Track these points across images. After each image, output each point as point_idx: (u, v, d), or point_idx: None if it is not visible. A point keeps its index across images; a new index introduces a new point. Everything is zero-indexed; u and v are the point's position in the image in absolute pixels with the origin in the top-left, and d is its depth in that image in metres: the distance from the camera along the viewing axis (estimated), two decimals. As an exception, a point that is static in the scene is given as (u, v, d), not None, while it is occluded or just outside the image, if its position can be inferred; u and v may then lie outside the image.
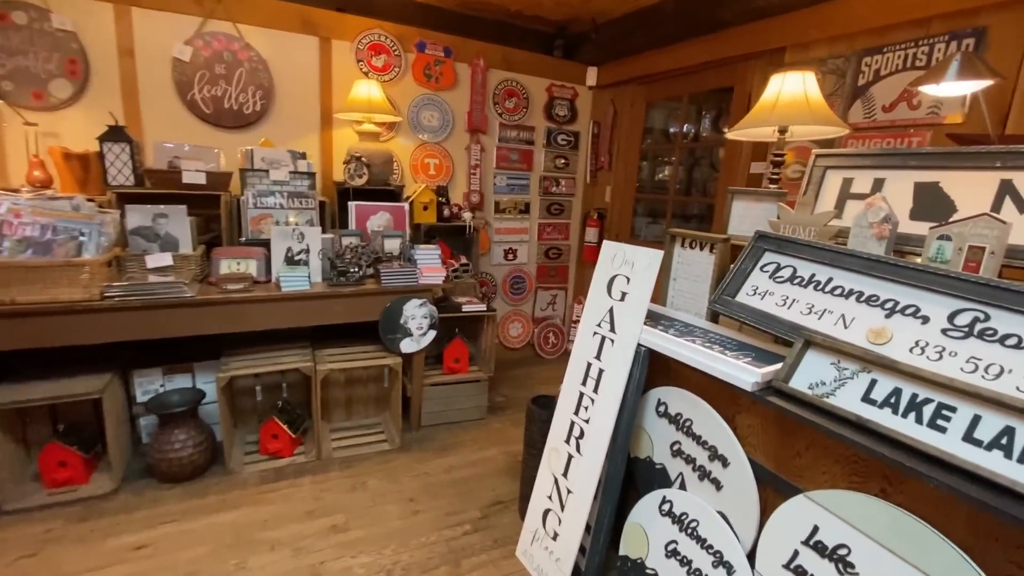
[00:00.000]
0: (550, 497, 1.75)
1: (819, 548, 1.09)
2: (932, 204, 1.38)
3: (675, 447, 1.50)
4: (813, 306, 1.31)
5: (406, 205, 2.86)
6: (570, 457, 1.69)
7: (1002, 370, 0.95)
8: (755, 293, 1.46)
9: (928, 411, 0.97)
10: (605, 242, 1.71)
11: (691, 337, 1.46)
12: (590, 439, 1.62)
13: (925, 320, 1.10)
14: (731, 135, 1.86)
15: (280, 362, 2.33)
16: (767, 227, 1.59)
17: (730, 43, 2.71)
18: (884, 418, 1.00)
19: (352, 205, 2.72)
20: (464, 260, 3.19)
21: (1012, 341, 0.97)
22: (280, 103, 2.87)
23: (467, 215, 3.22)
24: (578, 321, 4.15)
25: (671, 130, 3.84)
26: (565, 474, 1.70)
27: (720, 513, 1.35)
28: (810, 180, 1.64)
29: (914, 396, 1.00)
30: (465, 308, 2.84)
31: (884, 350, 1.10)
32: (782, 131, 1.72)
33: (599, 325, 1.66)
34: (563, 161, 3.86)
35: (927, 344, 1.06)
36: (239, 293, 2.16)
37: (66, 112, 2.46)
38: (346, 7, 2.96)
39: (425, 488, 2.25)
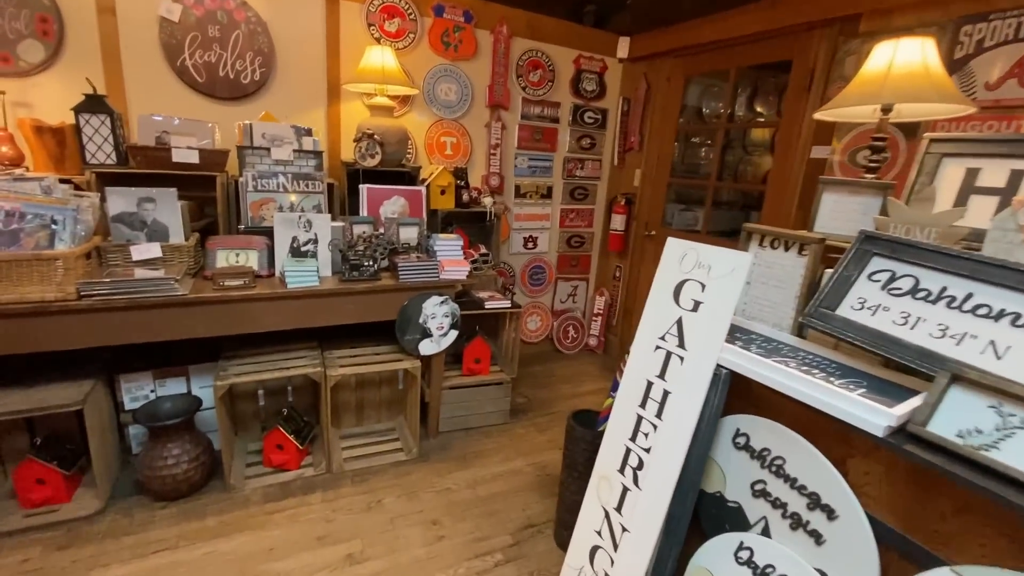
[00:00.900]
0: (599, 533, 1.53)
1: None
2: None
3: (758, 487, 1.26)
4: (947, 328, 1.06)
5: (423, 189, 2.58)
6: (625, 490, 1.45)
7: None
8: (863, 307, 1.20)
9: None
10: (670, 239, 1.44)
11: (780, 357, 1.22)
12: (651, 472, 1.38)
13: None
14: (820, 115, 1.58)
15: (286, 367, 2.08)
16: (867, 225, 1.33)
17: (791, 9, 2.39)
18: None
19: (363, 188, 2.43)
20: (483, 250, 2.92)
21: None
22: (282, 72, 2.55)
23: (487, 200, 2.94)
24: (599, 315, 3.94)
25: (704, 110, 3.54)
26: (619, 509, 1.47)
27: (819, 571, 1.13)
28: (921, 170, 1.37)
29: None
30: (488, 305, 2.58)
31: (1075, 396, 0.85)
32: (885, 110, 1.44)
33: (663, 339, 1.41)
34: (589, 141, 3.55)
35: None
36: (239, 290, 1.89)
37: (38, 78, 2.15)
38: (355, -37, 2.63)
39: (448, 507, 2.03)
